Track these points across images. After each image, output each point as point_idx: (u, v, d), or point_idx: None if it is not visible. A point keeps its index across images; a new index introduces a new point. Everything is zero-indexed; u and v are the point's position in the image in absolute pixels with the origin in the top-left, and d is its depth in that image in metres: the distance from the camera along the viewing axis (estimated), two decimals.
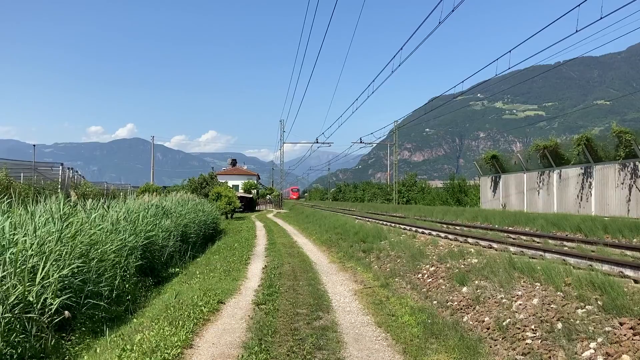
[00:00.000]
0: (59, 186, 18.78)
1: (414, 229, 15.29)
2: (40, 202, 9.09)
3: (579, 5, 14.15)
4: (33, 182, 18.07)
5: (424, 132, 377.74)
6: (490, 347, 5.36)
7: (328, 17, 18.87)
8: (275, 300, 7.96)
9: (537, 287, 6.13)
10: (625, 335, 4.45)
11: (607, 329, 4.61)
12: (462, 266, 8.24)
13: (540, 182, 23.90)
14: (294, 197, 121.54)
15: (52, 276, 6.22)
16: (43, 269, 6.13)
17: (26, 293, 5.78)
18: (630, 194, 17.96)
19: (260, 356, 5.24)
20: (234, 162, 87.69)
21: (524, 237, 12.45)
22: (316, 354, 5.40)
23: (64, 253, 6.90)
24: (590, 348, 4.46)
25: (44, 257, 6.47)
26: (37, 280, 5.99)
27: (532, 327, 5.24)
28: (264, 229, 25.55)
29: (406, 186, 51.51)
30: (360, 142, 52.91)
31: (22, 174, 18.41)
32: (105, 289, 7.77)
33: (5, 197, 9.38)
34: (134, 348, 5.33)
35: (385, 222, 18.79)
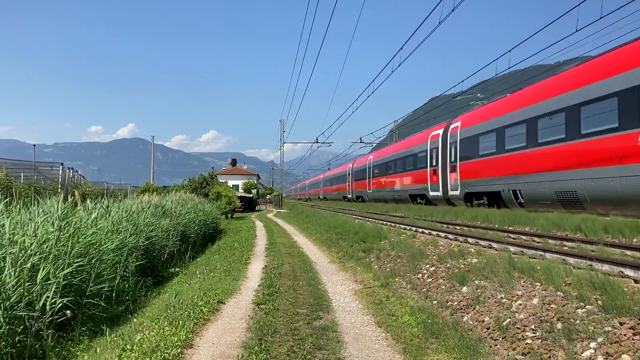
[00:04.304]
0: (59, 186, 18.79)
1: (413, 228, 15.27)
2: (40, 202, 9.09)
3: (578, 5, 14.17)
4: (33, 182, 18.07)
5: None
6: (490, 346, 5.36)
7: (328, 16, 18.88)
8: (276, 300, 7.96)
9: (537, 287, 6.13)
10: (625, 335, 4.45)
11: (607, 328, 4.61)
12: (462, 266, 8.23)
13: None
14: None
15: (53, 276, 6.22)
16: (43, 268, 6.14)
17: (26, 293, 5.78)
18: None
19: (260, 356, 5.24)
20: (234, 162, 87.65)
21: (524, 237, 12.43)
22: (316, 353, 5.41)
23: (62, 253, 6.91)
24: (590, 348, 4.46)
25: (44, 257, 6.47)
26: (38, 280, 6.00)
27: (532, 327, 5.24)
28: (264, 229, 25.54)
29: None
30: (360, 142, 52.92)
31: (22, 173, 18.42)
32: (105, 288, 7.78)
33: (6, 197, 9.39)
34: (134, 348, 5.33)
35: (385, 222, 18.77)
